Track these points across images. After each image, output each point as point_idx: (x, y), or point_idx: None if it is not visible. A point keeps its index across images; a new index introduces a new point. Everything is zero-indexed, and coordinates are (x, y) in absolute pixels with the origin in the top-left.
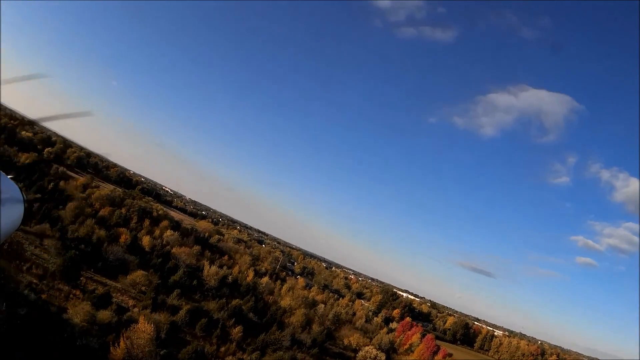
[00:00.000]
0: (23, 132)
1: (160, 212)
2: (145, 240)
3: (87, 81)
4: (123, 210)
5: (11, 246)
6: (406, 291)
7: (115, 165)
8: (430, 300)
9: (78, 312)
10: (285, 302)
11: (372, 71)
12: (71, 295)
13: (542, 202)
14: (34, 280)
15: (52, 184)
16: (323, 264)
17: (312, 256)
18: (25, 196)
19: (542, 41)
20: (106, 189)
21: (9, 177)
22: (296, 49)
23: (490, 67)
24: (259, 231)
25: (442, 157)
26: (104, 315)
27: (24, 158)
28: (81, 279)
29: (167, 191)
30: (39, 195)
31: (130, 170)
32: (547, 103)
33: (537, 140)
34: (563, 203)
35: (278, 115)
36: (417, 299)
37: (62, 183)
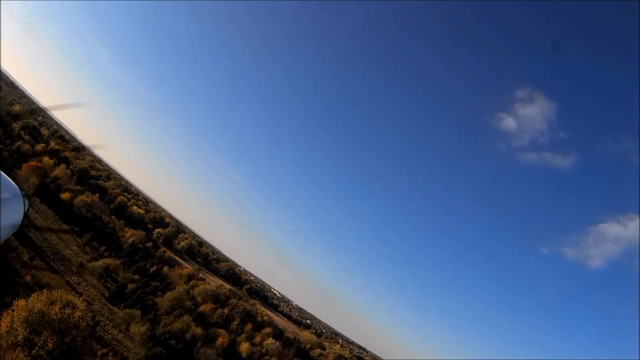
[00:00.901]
0: (134, 207)
1: (264, 318)
2: (244, 347)
3: (215, 173)
4: (226, 310)
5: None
6: None
7: (226, 260)
8: None
9: None
10: None
11: (491, 196)
12: None
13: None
14: None
15: (154, 267)
16: None
17: None
18: (25, 196)
19: None
20: (213, 283)
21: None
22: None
23: (605, 196)
24: (359, 347)
25: (549, 289)
26: None
27: (130, 234)
28: None
29: (275, 294)
30: (137, 277)
31: (240, 267)
32: None
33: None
34: None
35: (387, 229)
36: None
37: (165, 269)
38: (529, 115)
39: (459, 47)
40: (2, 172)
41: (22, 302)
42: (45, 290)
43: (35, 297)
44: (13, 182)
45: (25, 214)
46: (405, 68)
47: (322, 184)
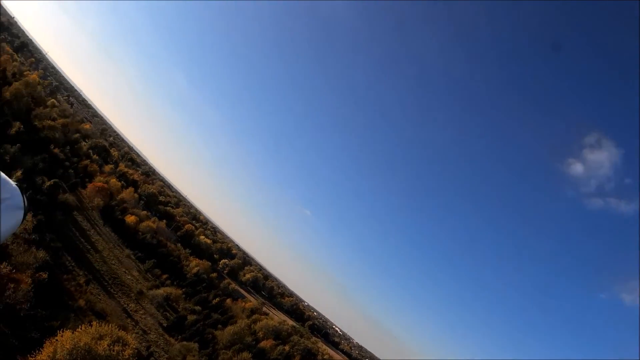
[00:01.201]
0: (202, 237)
1: (325, 357)
2: None
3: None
4: (287, 347)
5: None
6: None
7: (290, 295)
8: None
9: None
10: None
11: (556, 241)
12: None
13: None
14: None
15: (217, 299)
16: None
17: None
18: (25, 197)
19: None
20: (275, 318)
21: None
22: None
23: None
24: None
25: (605, 335)
26: None
27: (194, 264)
28: None
29: (337, 331)
30: (198, 308)
31: (304, 302)
32: None
33: None
34: None
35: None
36: None
37: (228, 301)
38: (596, 160)
39: (536, 94)
40: (1, 173)
41: (67, 333)
42: (95, 322)
43: (83, 329)
44: (13, 182)
45: (25, 214)
46: (480, 111)
47: (393, 228)
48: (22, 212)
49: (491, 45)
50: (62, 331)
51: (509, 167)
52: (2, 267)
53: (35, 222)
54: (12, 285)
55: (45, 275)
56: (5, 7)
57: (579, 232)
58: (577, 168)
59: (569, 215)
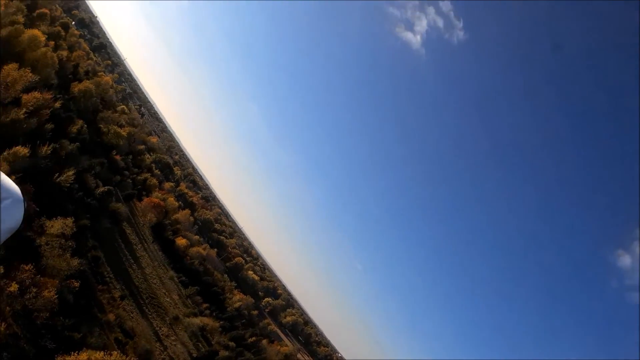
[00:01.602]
0: (250, 272)
1: None
2: None
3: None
4: None
5: None
6: None
7: (326, 345)
8: None
9: None
10: None
11: (599, 331)
12: None
13: None
14: None
15: (254, 338)
16: None
17: None
18: (25, 198)
19: None
20: None
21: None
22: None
23: None
24: None
25: None
26: None
27: (238, 298)
28: None
29: None
30: (232, 344)
31: (338, 354)
32: None
33: None
34: None
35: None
36: None
37: (264, 342)
38: None
39: (598, 181)
40: (1, 173)
41: (83, 357)
42: (115, 353)
43: (100, 356)
44: (13, 183)
45: (25, 215)
46: (541, 195)
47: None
48: (21, 213)
49: (557, 130)
50: (78, 353)
51: (562, 251)
52: (27, 268)
53: (75, 229)
54: (34, 290)
55: (76, 284)
56: (88, 5)
57: (615, 324)
58: (625, 260)
59: (609, 307)
